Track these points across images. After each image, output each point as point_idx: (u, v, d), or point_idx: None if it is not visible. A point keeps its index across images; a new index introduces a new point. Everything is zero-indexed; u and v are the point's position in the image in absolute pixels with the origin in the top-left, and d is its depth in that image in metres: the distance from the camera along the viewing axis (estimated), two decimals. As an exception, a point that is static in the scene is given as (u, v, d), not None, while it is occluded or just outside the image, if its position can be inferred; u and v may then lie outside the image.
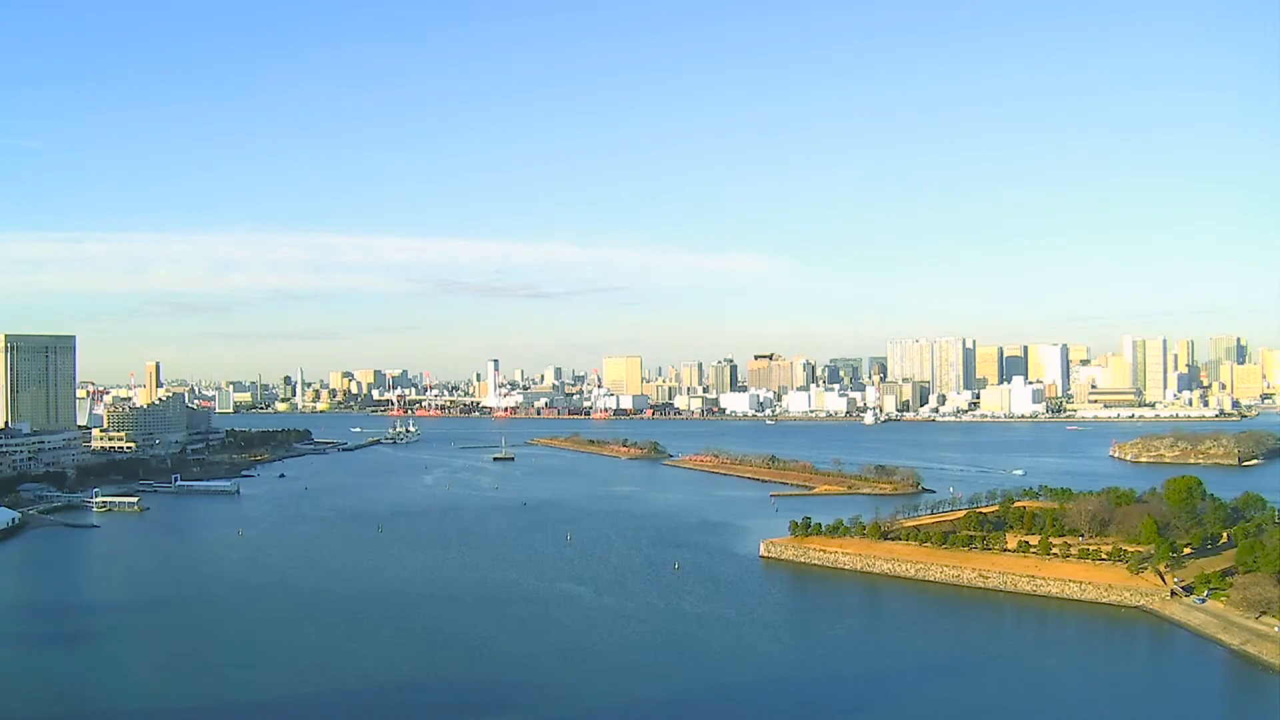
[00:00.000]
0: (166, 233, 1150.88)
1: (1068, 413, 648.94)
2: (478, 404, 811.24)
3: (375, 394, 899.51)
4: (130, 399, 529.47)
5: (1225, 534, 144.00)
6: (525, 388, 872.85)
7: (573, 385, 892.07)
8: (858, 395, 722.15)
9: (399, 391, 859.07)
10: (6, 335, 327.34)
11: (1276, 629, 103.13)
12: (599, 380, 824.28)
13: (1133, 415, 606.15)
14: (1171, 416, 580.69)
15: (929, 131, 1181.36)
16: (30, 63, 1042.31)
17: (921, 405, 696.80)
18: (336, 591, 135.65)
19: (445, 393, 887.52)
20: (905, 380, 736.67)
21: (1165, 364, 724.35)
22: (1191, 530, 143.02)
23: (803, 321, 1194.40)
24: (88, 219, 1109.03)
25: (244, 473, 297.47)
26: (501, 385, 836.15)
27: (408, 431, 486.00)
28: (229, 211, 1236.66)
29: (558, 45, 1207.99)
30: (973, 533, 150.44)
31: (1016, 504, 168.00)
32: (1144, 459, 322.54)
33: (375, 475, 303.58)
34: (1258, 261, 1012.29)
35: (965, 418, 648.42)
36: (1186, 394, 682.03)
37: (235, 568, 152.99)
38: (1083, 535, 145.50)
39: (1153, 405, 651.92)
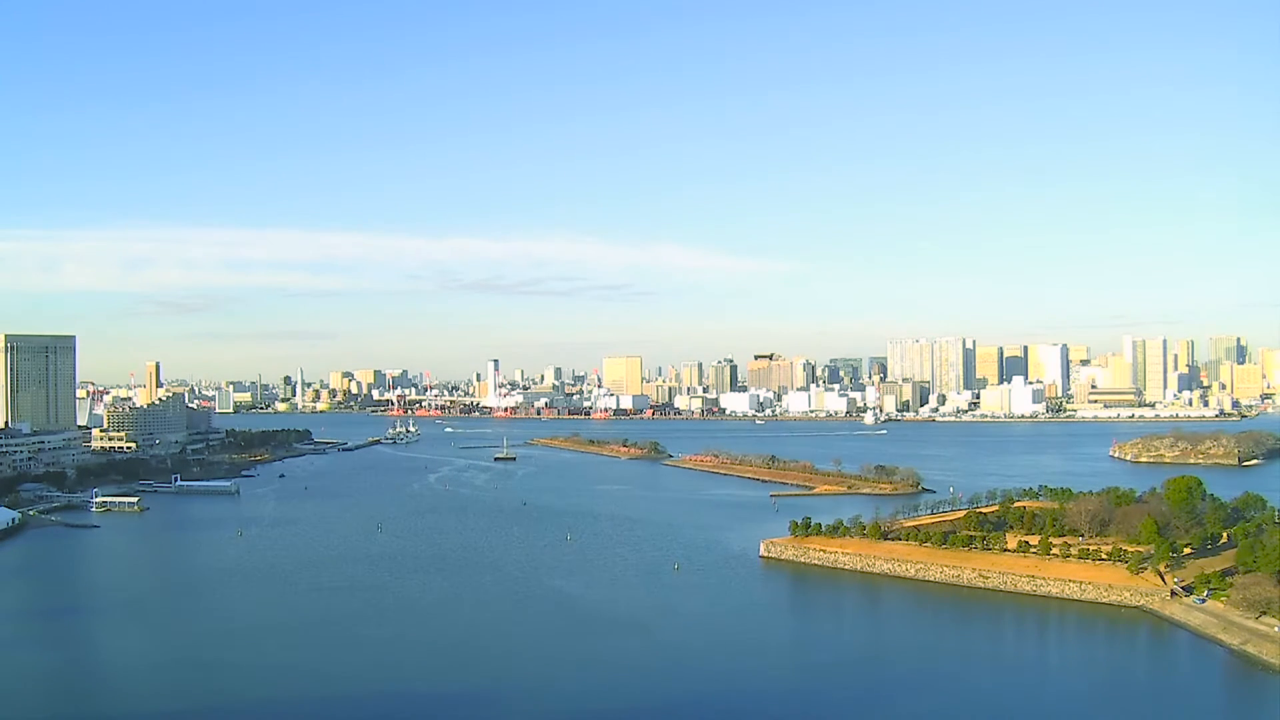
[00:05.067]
0: (166, 230, 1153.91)
1: (1068, 413, 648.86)
2: (478, 404, 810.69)
3: (375, 394, 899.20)
4: (130, 399, 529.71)
5: (1225, 534, 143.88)
6: (525, 388, 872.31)
7: (573, 385, 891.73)
8: (858, 395, 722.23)
9: (399, 391, 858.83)
10: (6, 335, 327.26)
11: (1276, 629, 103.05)
12: (599, 380, 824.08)
13: (1133, 415, 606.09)
14: (1171, 416, 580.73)
15: (929, 131, 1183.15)
16: (24, 53, 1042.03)
17: (921, 405, 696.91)
18: (335, 592, 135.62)
19: (445, 393, 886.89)
20: (905, 380, 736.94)
21: (1165, 364, 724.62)
22: (1191, 530, 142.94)
23: (803, 321, 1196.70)
24: (87, 217, 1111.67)
25: (244, 473, 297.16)
26: (501, 385, 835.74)
27: (408, 432, 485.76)
28: (228, 209, 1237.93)
29: (558, 44, 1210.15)
30: (973, 533, 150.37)
31: (1016, 504, 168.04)
32: (1144, 459, 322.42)
33: (375, 475, 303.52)
34: (1258, 261, 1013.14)
35: (965, 418, 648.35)
36: (1186, 394, 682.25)
37: (235, 568, 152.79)
38: (1083, 535, 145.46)
39: (1153, 405, 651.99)
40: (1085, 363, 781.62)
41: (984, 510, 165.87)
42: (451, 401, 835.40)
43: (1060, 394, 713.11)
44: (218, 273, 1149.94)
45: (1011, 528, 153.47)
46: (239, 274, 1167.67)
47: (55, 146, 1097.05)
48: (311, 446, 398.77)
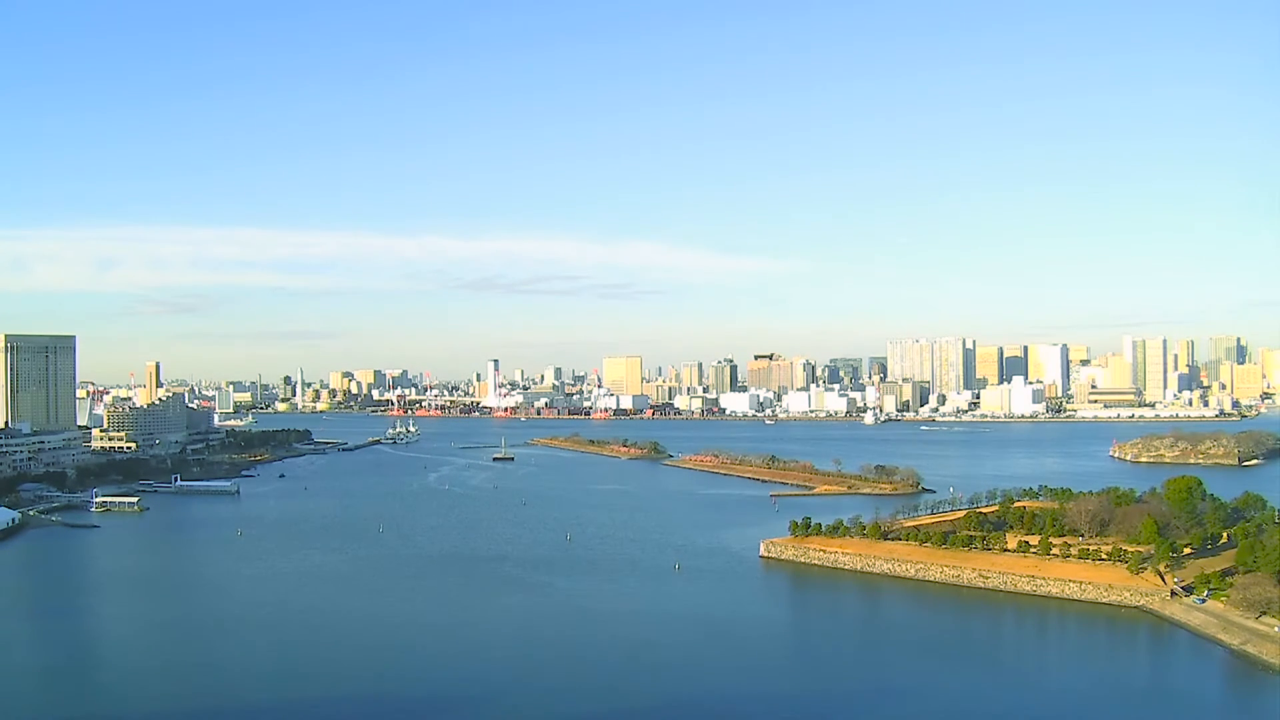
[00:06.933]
0: (167, 230, 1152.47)
1: (1068, 413, 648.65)
2: (478, 404, 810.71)
3: (375, 394, 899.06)
4: (130, 399, 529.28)
5: (1225, 534, 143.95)
6: (525, 388, 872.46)
7: (573, 385, 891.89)
8: (858, 395, 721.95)
9: (399, 391, 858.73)
10: (6, 335, 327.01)
11: (1276, 629, 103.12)
12: (599, 380, 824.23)
13: (1133, 415, 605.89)
14: (1171, 416, 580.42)
15: (929, 132, 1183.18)
16: (30, 53, 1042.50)
17: (921, 405, 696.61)
18: (336, 592, 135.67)
19: (445, 393, 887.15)
20: (905, 380, 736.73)
21: (1165, 364, 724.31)
22: (1191, 530, 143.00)
23: (803, 321, 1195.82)
24: (86, 215, 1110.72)
25: (244, 473, 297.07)
26: (501, 385, 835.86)
27: (408, 431, 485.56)
28: (227, 209, 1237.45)
29: (558, 45, 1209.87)
30: (973, 533, 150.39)
31: (1016, 504, 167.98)
32: (1144, 459, 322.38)
33: (375, 475, 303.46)
34: (1258, 261, 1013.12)
35: (965, 418, 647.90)
36: (1186, 394, 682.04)
37: (235, 568, 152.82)
38: (1083, 535, 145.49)
39: (1153, 405, 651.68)
40: (1085, 363, 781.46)
41: (984, 510, 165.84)
42: (451, 401, 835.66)
43: (1060, 394, 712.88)
44: (218, 272, 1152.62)
45: (1011, 528, 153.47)
46: (239, 274, 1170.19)
47: (44, 145, 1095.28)
48: (311, 446, 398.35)
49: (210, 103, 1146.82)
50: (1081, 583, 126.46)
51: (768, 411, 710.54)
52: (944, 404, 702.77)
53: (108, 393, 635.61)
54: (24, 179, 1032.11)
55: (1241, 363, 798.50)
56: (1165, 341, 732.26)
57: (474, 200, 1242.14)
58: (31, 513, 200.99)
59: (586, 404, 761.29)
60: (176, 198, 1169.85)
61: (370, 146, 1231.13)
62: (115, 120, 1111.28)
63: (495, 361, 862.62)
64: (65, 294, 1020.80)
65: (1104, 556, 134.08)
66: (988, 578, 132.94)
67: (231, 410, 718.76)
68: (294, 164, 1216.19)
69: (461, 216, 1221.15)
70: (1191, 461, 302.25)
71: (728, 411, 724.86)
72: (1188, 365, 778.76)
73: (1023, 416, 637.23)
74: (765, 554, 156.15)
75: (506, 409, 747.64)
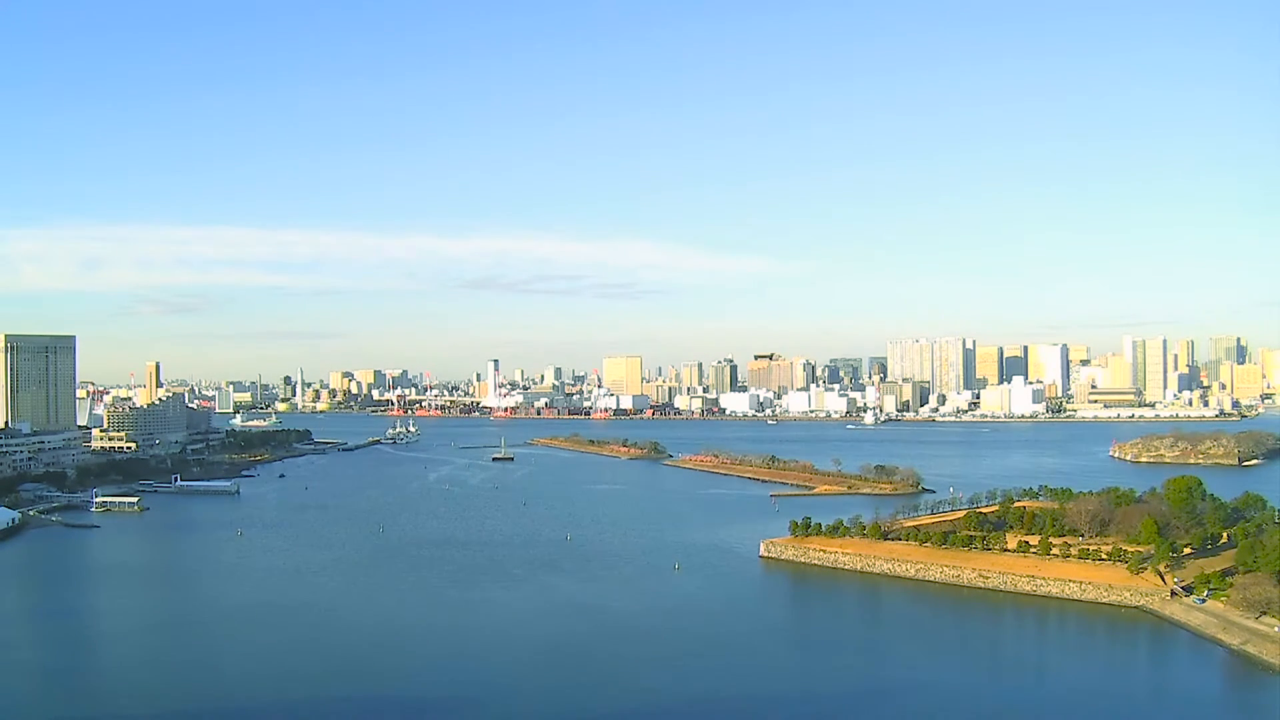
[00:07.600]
0: (159, 229, 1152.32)
1: (1068, 413, 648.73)
2: (478, 404, 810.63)
3: (375, 394, 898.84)
4: (130, 399, 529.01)
5: (1225, 534, 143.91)
6: (525, 388, 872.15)
7: (573, 385, 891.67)
8: (858, 395, 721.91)
9: (399, 391, 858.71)
10: (6, 335, 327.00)
11: (1276, 629, 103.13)
12: (599, 380, 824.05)
13: (1133, 415, 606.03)
14: (1172, 416, 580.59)
15: (929, 132, 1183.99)
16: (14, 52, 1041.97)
17: (921, 405, 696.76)
18: (335, 592, 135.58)
19: (445, 393, 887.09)
20: (905, 380, 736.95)
21: (1165, 364, 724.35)
22: (1191, 530, 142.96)
23: (803, 321, 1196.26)
24: (72, 215, 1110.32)
25: (244, 473, 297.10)
26: (501, 385, 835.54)
27: (408, 431, 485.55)
28: (227, 208, 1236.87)
29: (559, 44, 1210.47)
30: (973, 533, 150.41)
31: (1016, 504, 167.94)
32: (1144, 459, 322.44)
33: (376, 475, 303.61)
34: (1257, 261, 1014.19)
35: (965, 418, 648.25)
36: (1186, 394, 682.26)
37: (235, 567, 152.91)
38: (1083, 535, 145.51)
39: (1153, 405, 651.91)
40: (1085, 363, 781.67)
41: (984, 510, 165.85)
42: (451, 401, 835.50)
43: (1060, 394, 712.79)
44: (219, 272, 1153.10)
45: (1011, 528, 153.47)
46: (239, 273, 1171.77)
47: (28, 145, 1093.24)
48: (311, 446, 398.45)
49: (204, 102, 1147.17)
50: (1081, 583, 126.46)
51: (768, 411, 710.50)
52: (944, 404, 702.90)
53: (108, 393, 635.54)
54: (7, 178, 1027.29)
55: (1241, 363, 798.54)
56: (1165, 341, 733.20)
57: (474, 200, 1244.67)
58: (31, 513, 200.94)
59: (586, 404, 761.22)
60: (167, 197, 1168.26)
61: (368, 146, 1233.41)
62: (103, 119, 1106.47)
63: (495, 361, 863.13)
64: (58, 294, 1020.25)
65: (1104, 556, 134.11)
66: (988, 578, 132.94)
67: (232, 410, 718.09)
68: (290, 163, 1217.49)
69: (461, 216, 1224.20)
70: (1191, 461, 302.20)
71: (728, 411, 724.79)
72: (1188, 365, 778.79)
73: (1023, 416, 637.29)
74: (765, 554, 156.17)
75: (506, 409, 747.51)
